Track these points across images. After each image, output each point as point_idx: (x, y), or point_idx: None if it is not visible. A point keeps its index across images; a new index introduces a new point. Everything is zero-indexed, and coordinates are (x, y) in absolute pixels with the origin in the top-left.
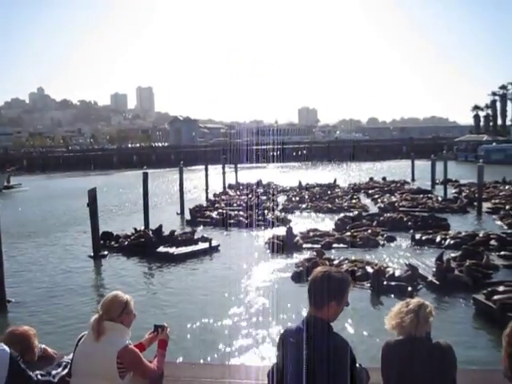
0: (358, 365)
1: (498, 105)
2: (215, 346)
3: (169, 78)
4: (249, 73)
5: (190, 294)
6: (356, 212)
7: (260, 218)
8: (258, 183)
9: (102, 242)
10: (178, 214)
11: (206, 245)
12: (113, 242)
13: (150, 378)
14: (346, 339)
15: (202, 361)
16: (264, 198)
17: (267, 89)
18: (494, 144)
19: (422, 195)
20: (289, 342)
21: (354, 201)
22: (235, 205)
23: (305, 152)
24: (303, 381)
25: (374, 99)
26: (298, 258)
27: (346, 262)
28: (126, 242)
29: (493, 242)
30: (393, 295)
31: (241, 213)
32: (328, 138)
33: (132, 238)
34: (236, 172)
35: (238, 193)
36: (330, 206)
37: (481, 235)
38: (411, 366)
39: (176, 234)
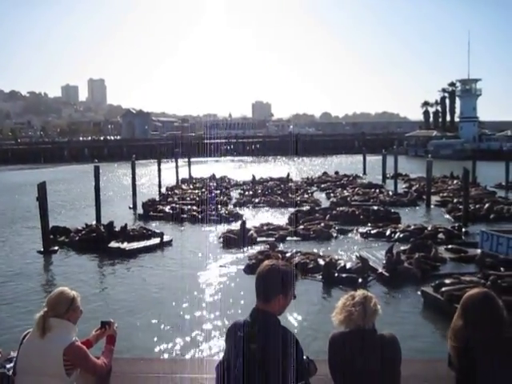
0: (305, 357)
1: (447, 101)
2: (164, 340)
3: (121, 70)
4: (203, 66)
5: (140, 289)
6: (309, 206)
7: (214, 212)
8: (212, 177)
9: (52, 237)
10: (130, 208)
11: (158, 240)
12: (63, 237)
13: (98, 374)
14: (295, 331)
15: (150, 356)
16: (217, 192)
17: (221, 82)
18: (443, 140)
19: (373, 189)
20: (236, 336)
21: (306, 195)
22: (188, 199)
23: (258, 146)
24: (251, 374)
25: (327, 94)
26: (251, 251)
27: (299, 254)
28: (77, 237)
29: (441, 236)
30: (344, 287)
31: (194, 207)
32: (282, 133)
33: (83, 232)
34: (189, 166)
35: (192, 187)
36: (282, 200)
37: (429, 229)
38: (359, 358)
39: (129, 228)
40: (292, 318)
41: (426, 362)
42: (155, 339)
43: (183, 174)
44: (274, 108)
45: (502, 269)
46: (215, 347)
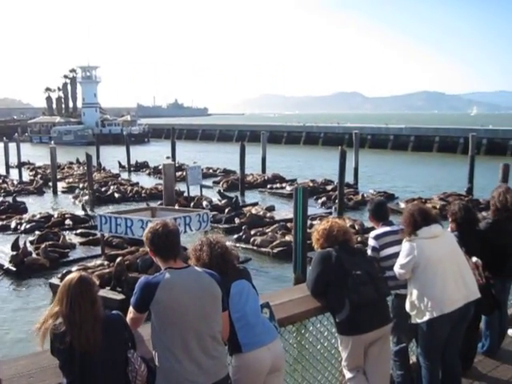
0: None
1: (69, 87)
2: None
3: None
4: None
5: None
6: None
7: None
8: None
9: None
10: None
11: None
12: None
13: None
14: None
15: None
16: None
17: None
18: (67, 126)
19: None
20: None
21: None
22: None
23: None
24: None
25: None
26: None
27: None
28: None
29: (68, 222)
30: None
31: None
32: None
33: None
34: None
35: None
36: None
37: (56, 216)
38: None
39: None
40: None
41: (32, 357)
42: None
43: None
44: None
45: (128, 247)
46: None
